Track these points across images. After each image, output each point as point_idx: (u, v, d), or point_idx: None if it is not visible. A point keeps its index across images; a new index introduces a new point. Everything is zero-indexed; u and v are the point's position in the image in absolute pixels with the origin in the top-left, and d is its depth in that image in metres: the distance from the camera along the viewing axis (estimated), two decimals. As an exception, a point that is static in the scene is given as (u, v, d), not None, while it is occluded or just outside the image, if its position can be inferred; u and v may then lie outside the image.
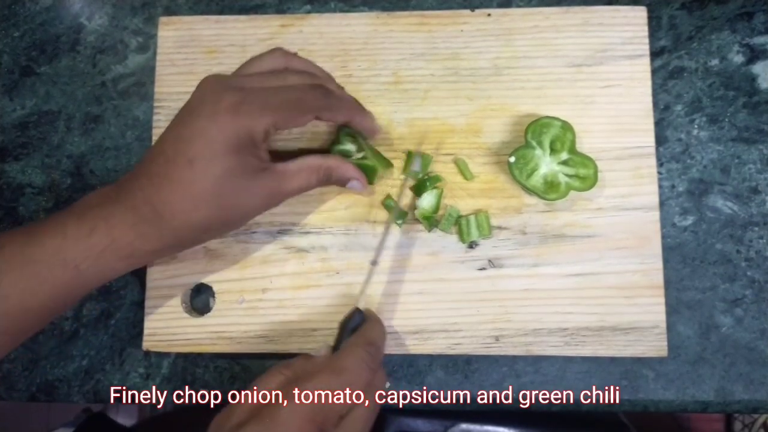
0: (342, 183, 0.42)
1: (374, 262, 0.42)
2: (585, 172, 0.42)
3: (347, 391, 0.33)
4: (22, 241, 0.35)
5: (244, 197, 0.37)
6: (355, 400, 0.33)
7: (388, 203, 0.44)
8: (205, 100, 0.36)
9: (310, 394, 0.32)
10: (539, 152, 0.43)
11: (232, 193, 0.36)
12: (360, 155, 0.43)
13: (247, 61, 0.40)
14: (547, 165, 0.43)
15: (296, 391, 0.32)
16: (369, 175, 0.43)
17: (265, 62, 0.40)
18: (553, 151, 0.43)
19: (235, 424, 0.32)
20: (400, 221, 0.44)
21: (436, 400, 0.44)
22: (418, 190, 0.44)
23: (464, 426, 0.67)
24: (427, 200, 0.44)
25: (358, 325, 0.38)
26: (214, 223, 0.37)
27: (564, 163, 0.43)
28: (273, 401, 0.32)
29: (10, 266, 0.34)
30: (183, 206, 0.35)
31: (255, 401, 0.33)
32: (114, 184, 0.37)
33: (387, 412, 0.62)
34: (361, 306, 0.40)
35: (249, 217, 0.40)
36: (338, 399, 0.32)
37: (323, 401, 0.32)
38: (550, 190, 0.42)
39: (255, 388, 0.33)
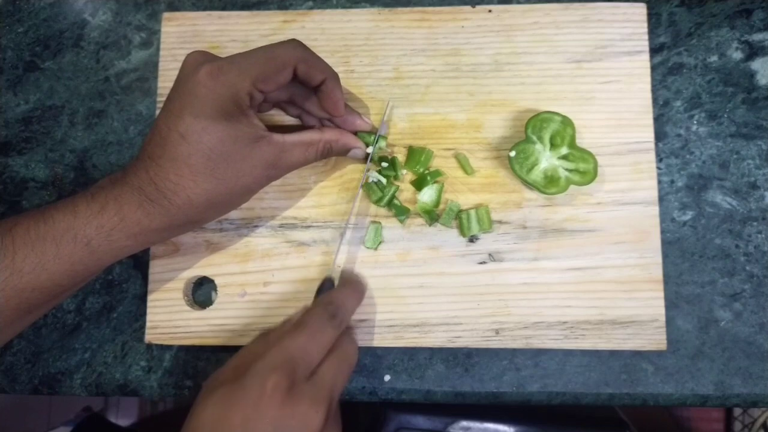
0: (344, 153, 0.43)
1: (342, 233, 0.44)
2: (585, 167, 0.43)
3: (312, 346, 0.35)
4: (34, 219, 0.35)
5: (242, 167, 0.37)
6: (320, 353, 0.35)
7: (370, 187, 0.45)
8: (187, 73, 0.37)
9: (279, 350, 0.34)
10: (539, 147, 0.43)
11: (228, 162, 0.37)
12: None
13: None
14: (547, 159, 0.43)
15: (268, 351, 0.34)
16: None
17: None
18: (553, 145, 0.43)
19: (219, 381, 0.34)
20: (402, 217, 0.44)
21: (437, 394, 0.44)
22: (419, 184, 0.44)
23: (465, 423, 0.67)
24: (427, 194, 0.44)
25: (328, 291, 0.41)
26: (215, 196, 0.37)
27: (564, 157, 0.43)
28: (251, 361, 0.34)
29: (23, 242, 0.34)
30: (182, 182, 0.36)
31: (238, 362, 0.35)
32: (124, 168, 0.38)
33: (387, 408, 0.62)
34: (334, 273, 0.43)
35: (251, 190, 0.40)
36: (303, 353, 0.34)
37: (290, 355, 0.34)
38: (550, 184, 0.43)
39: (240, 352, 0.36)
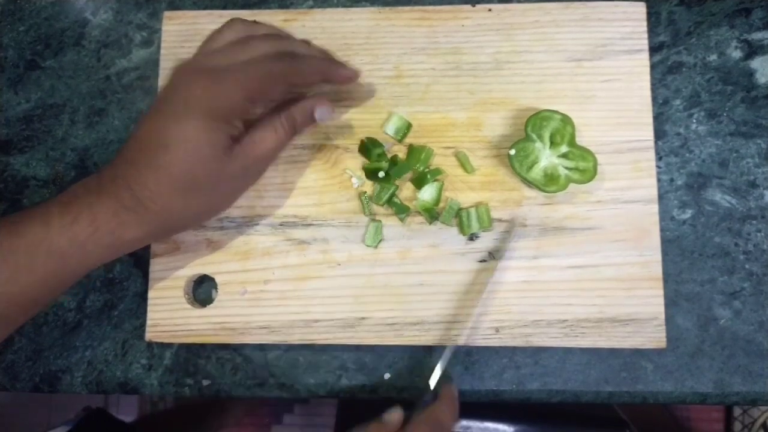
0: (311, 121, 0.42)
1: (450, 349, 0.43)
2: (585, 165, 0.43)
3: None
4: (6, 231, 0.34)
5: (222, 177, 0.37)
6: None
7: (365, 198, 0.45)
8: (178, 87, 0.37)
9: None
10: (539, 145, 0.43)
11: (208, 174, 0.36)
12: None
13: (208, 36, 0.41)
14: (547, 158, 0.43)
15: None
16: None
17: (226, 35, 0.40)
18: (553, 144, 0.43)
19: None
20: (402, 215, 0.44)
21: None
22: (419, 182, 0.44)
23: (465, 422, 0.67)
24: (428, 193, 0.44)
25: (430, 401, 0.41)
26: (195, 206, 0.37)
27: (564, 156, 0.43)
28: None
29: None
30: (160, 190, 0.35)
31: None
32: (96, 173, 0.37)
33: (387, 408, 0.62)
34: (433, 383, 0.42)
35: (233, 197, 0.40)
36: None
37: None
38: (549, 182, 0.43)
39: None
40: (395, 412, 0.39)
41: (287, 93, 0.41)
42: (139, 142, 0.36)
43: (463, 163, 0.45)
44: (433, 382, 0.41)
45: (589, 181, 0.43)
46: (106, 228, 0.35)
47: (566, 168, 0.43)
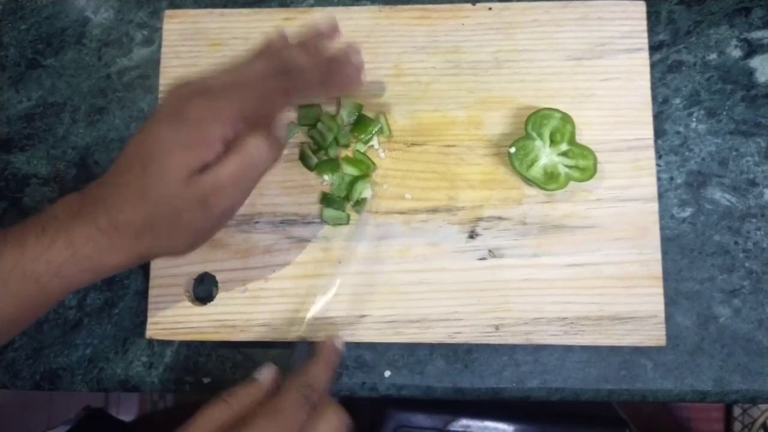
0: (281, 129, 0.39)
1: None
2: (584, 163, 0.43)
3: None
4: None
5: (187, 206, 0.34)
6: None
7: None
8: (169, 108, 0.35)
9: None
10: (539, 143, 0.43)
11: (185, 202, 0.34)
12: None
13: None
14: (547, 156, 0.43)
15: None
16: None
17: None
18: (553, 142, 0.43)
19: None
20: (358, 208, 0.45)
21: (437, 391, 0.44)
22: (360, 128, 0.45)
23: (464, 421, 0.67)
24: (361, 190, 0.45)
25: (303, 356, 0.39)
26: (175, 235, 0.35)
27: (563, 154, 0.43)
28: None
29: None
30: (134, 218, 0.34)
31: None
32: (79, 192, 0.36)
33: (387, 407, 0.62)
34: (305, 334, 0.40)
35: (220, 223, 0.37)
36: None
37: None
38: (549, 180, 0.43)
39: (199, 422, 0.34)
40: (268, 369, 0.37)
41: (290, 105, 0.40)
42: (122, 163, 0.35)
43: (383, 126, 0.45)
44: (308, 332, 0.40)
45: (589, 179, 0.43)
46: (83, 252, 0.34)
47: (566, 166, 0.43)
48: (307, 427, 0.34)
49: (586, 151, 0.43)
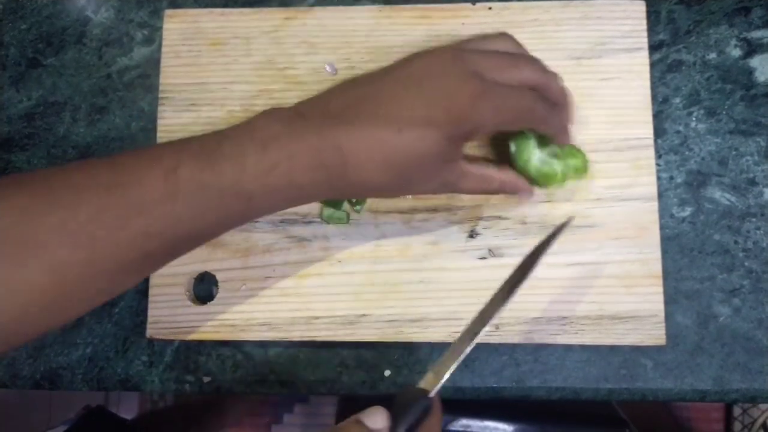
0: (511, 191, 0.42)
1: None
2: (575, 163, 0.43)
3: None
4: (199, 164, 0.32)
5: (427, 176, 0.36)
6: None
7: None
8: (446, 75, 0.34)
9: None
10: (532, 142, 0.43)
11: (420, 173, 0.35)
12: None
13: (476, 36, 0.40)
14: (537, 155, 0.43)
15: None
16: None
17: (495, 43, 0.39)
18: (542, 141, 0.43)
19: None
20: (358, 207, 0.44)
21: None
22: None
23: (464, 421, 0.68)
24: None
25: (421, 414, 0.31)
26: (383, 189, 0.36)
27: (552, 153, 0.43)
28: None
29: (186, 189, 0.32)
30: (369, 166, 0.34)
31: None
32: (296, 110, 0.35)
33: (387, 407, 0.62)
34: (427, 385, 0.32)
35: (413, 193, 0.39)
36: None
37: None
38: (545, 179, 0.43)
39: None
40: (378, 415, 0.31)
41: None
42: (368, 102, 0.34)
43: None
44: (434, 390, 0.33)
45: (581, 177, 0.43)
46: (299, 182, 0.34)
47: (556, 165, 0.43)
48: None
49: (574, 151, 0.43)
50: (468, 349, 0.34)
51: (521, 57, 0.39)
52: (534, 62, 0.39)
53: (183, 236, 0.33)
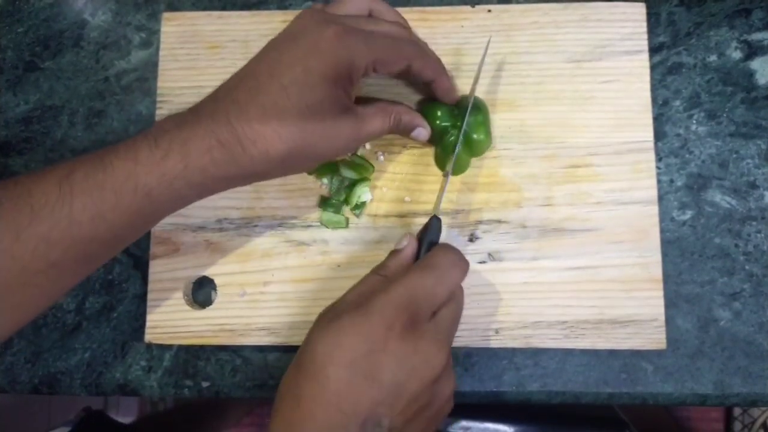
0: (409, 130, 0.42)
1: (446, 174, 0.43)
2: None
3: (439, 288, 0.34)
4: (92, 165, 0.33)
5: (329, 133, 0.36)
6: (443, 297, 0.35)
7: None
8: (308, 28, 0.35)
9: (404, 287, 0.33)
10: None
11: (318, 127, 0.35)
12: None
13: (332, 4, 0.40)
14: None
15: (392, 286, 0.33)
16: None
17: (349, 6, 0.40)
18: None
19: (337, 313, 0.33)
20: (357, 212, 0.44)
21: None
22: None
23: (465, 423, 0.67)
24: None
25: (436, 235, 0.40)
26: (290, 157, 0.35)
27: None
28: (370, 295, 0.34)
29: (81, 190, 0.32)
30: (266, 133, 0.34)
31: (354, 298, 0.35)
32: (191, 108, 0.36)
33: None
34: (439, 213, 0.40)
35: (323, 158, 0.39)
36: (430, 293, 0.34)
37: (416, 293, 0.33)
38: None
39: (356, 288, 0.36)
40: (405, 238, 0.39)
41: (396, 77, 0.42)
42: (253, 79, 0.35)
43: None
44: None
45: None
46: (198, 165, 0.33)
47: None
48: (459, 290, 0.37)
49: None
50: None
51: (378, 13, 0.40)
52: (390, 22, 0.40)
53: (87, 240, 0.33)
